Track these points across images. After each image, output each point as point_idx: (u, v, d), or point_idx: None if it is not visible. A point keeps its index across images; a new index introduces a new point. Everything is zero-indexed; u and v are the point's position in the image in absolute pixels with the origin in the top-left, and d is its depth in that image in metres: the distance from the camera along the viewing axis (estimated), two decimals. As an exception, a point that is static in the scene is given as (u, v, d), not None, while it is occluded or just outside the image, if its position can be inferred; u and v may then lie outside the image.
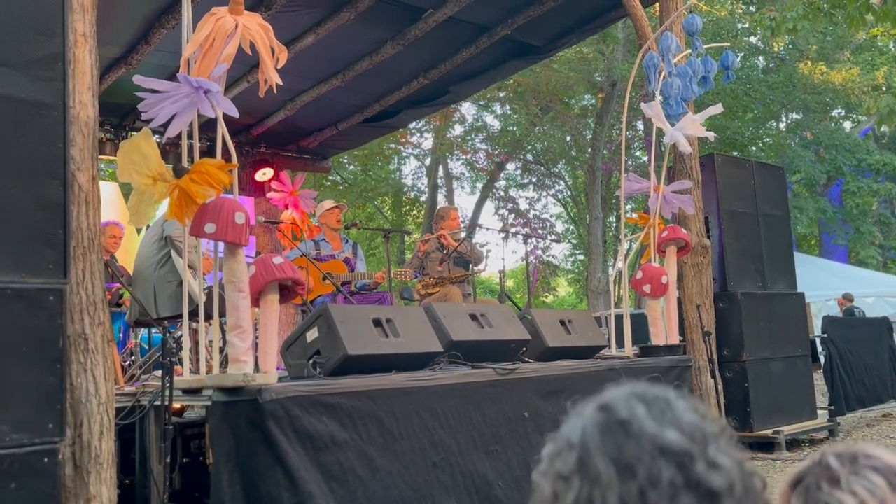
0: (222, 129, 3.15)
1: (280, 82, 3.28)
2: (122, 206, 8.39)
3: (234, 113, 3.08)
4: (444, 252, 6.31)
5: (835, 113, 21.15)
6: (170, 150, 7.47)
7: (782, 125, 21.48)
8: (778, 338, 6.45)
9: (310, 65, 7.04)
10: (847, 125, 21.64)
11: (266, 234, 8.79)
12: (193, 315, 3.37)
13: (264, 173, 8.90)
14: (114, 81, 6.71)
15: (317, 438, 2.99)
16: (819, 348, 8.00)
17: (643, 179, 5.46)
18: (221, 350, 3.98)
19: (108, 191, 8.37)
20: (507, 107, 20.44)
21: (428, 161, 22.04)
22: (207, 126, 3.54)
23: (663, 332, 5.18)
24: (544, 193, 23.42)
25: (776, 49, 19.35)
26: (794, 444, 6.16)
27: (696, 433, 0.79)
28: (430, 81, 7.65)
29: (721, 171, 6.39)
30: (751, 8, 18.40)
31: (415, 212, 23.60)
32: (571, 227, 25.20)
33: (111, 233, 6.46)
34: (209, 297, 3.59)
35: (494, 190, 22.59)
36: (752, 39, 19.14)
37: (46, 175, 2.46)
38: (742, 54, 17.88)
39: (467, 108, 20.29)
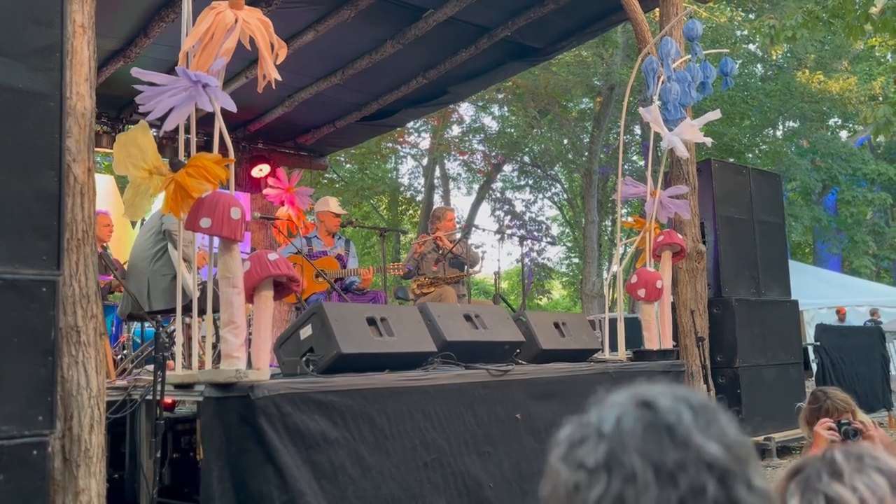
0: (220, 124, 3.14)
1: (279, 78, 3.27)
2: (118, 199, 8.36)
3: (232, 107, 3.07)
4: (440, 253, 6.31)
5: (831, 122, 21.22)
6: (167, 144, 7.44)
7: (779, 133, 21.54)
8: (771, 345, 6.47)
9: (309, 62, 7.03)
10: (843, 134, 21.71)
11: (261, 231, 8.77)
12: (187, 310, 3.36)
13: (261, 169, 8.88)
14: (112, 74, 6.68)
15: (308, 436, 2.98)
16: (811, 356, 8.01)
17: (640, 184, 5.46)
18: (214, 346, 3.97)
19: (104, 184, 8.33)
20: (506, 108, 20.44)
21: (425, 161, 22.03)
22: (205, 121, 3.53)
23: (657, 336, 5.18)
24: (540, 196, 23.45)
25: (774, 57, 19.41)
26: (784, 451, 6.17)
27: (739, 451, 0.76)
28: (429, 81, 7.65)
29: (718, 177, 6.40)
30: (750, 16, 18.44)
31: (411, 211, 23.58)
32: (567, 231, 25.22)
33: (103, 222, 6.35)
34: (203, 292, 3.57)
35: (491, 191, 22.59)
36: (751, 47, 19.18)
37: (42, 166, 2.44)
38: (740, 61, 17.91)
39: (465, 109, 20.30)
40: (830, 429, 2.95)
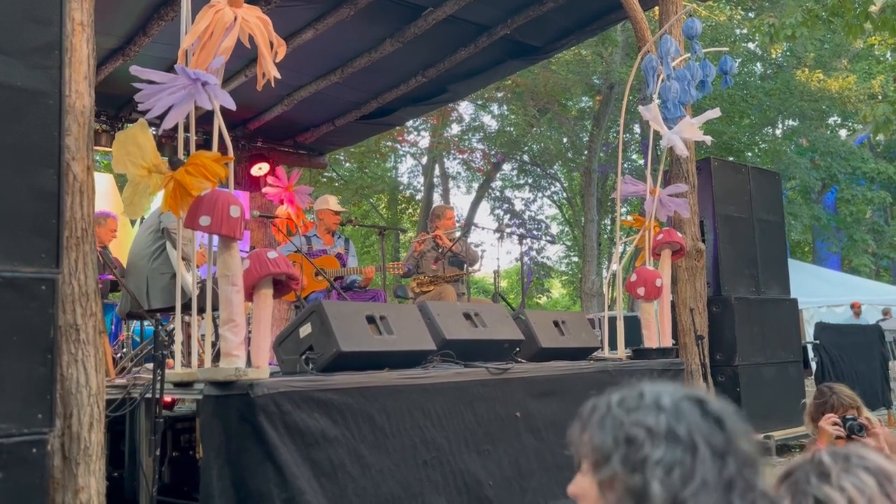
0: (219, 122, 3.14)
1: (278, 76, 3.26)
2: (117, 198, 8.36)
3: (231, 105, 3.06)
4: (440, 251, 6.30)
5: (831, 121, 21.22)
6: (166, 143, 7.45)
7: (778, 131, 21.55)
8: (770, 343, 6.47)
9: (308, 60, 7.03)
10: (843, 133, 21.72)
11: (261, 229, 8.77)
12: (186, 308, 3.35)
13: (260, 168, 8.88)
14: (111, 72, 6.68)
15: (308, 434, 2.98)
16: (811, 354, 8.02)
17: (639, 182, 5.46)
18: (214, 344, 3.97)
19: (103, 182, 8.33)
20: (505, 107, 20.44)
21: (424, 160, 22.03)
22: (204, 119, 3.53)
23: (656, 335, 5.18)
24: (540, 195, 23.44)
25: (774, 55, 19.40)
26: (784, 449, 6.17)
27: (757, 452, 0.90)
28: (429, 80, 7.64)
29: (717, 176, 6.40)
30: (749, 14, 18.43)
31: (410, 210, 23.58)
32: (566, 229, 25.22)
33: (111, 226, 6.41)
34: (202, 291, 3.57)
35: (490, 190, 22.59)
36: (751, 45, 19.17)
37: (41, 164, 2.44)
38: (740, 60, 17.90)
39: (465, 108, 20.29)
40: (836, 424, 2.95)
